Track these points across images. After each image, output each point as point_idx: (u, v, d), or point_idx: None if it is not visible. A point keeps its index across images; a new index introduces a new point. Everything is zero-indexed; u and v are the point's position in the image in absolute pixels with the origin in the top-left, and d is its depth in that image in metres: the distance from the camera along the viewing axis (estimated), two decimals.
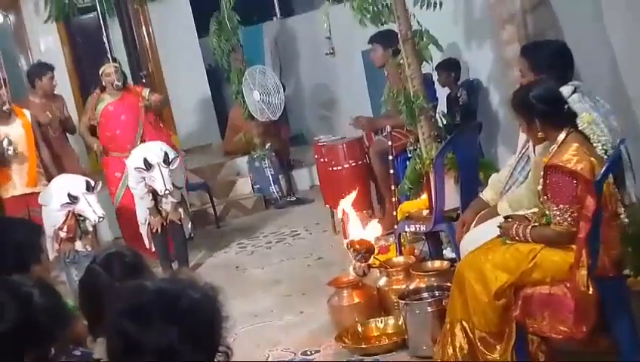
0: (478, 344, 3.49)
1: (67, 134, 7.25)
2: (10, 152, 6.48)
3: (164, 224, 6.48)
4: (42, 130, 6.88)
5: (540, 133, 3.48)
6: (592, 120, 3.67)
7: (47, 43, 9.35)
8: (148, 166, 6.14)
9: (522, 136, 4.08)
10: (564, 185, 3.29)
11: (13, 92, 6.93)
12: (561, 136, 3.41)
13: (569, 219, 3.29)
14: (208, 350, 1.84)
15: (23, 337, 2.18)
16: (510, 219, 3.62)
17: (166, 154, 6.23)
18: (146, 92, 7.00)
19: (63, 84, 8.28)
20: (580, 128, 3.49)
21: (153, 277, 2.14)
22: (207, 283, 1.90)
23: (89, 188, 5.90)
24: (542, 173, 3.43)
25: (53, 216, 5.89)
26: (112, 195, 6.90)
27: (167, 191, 6.19)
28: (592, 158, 3.31)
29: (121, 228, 7.04)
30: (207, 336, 1.83)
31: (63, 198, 5.84)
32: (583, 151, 3.33)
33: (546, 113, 3.44)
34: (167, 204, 6.46)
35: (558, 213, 3.32)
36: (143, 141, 6.71)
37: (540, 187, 3.46)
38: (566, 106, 3.50)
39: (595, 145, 3.50)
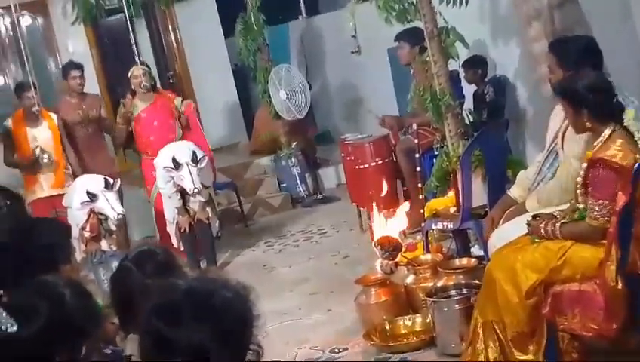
0: (511, 345, 3.47)
1: (105, 134, 7.31)
2: (45, 160, 6.59)
3: (192, 223, 6.52)
4: (74, 129, 6.96)
5: (587, 124, 3.42)
6: (635, 115, 3.62)
7: (75, 45, 9.43)
8: (176, 165, 6.18)
9: (550, 132, 4.06)
10: (607, 180, 3.27)
11: (42, 94, 7.01)
12: (607, 131, 3.37)
13: (607, 216, 3.27)
14: (240, 348, 1.86)
15: (56, 337, 2.21)
16: (538, 218, 3.60)
17: (194, 153, 6.27)
18: (178, 100, 6.99)
19: (91, 85, 8.35)
20: (624, 124, 3.45)
21: (185, 276, 2.16)
22: (239, 282, 1.91)
23: (108, 186, 5.94)
24: (584, 165, 3.39)
25: (76, 216, 5.94)
26: (149, 194, 6.96)
27: (195, 190, 6.22)
28: (637, 155, 3.27)
29: (158, 228, 7.07)
30: (238, 335, 1.85)
31: (82, 196, 5.89)
32: (628, 148, 3.29)
33: (597, 104, 3.39)
34: (194, 204, 6.49)
35: (597, 208, 3.29)
36: None
37: (579, 178, 3.43)
38: (615, 100, 3.44)
39: (638, 140, 3.45)
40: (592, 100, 3.38)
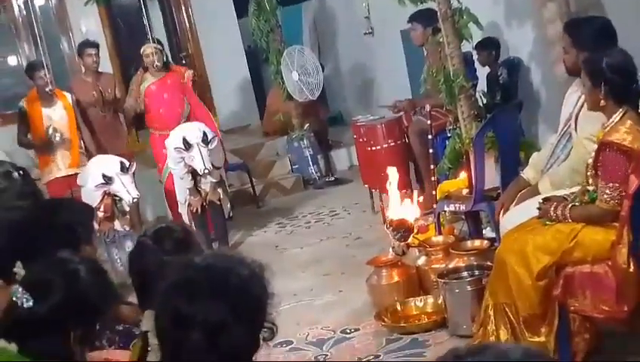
0: (522, 327, 3.48)
1: (120, 115, 7.33)
2: (57, 139, 6.61)
3: (204, 204, 6.54)
4: (89, 109, 6.97)
5: (602, 102, 3.39)
6: None
7: (88, 25, 9.43)
8: (187, 145, 6.20)
9: (564, 114, 4.04)
10: (617, 163, 3.25)
11: (55, 74, 7.01)
12: (618, 113, 3.34)
13: (617, 198, 3.26)
14: (254, 326, 1.87)
15: (70, 313, 2.23)
16: (549, 201, 3.59)
17: (205, 133, 6.28)
18: (189, 73, 7.07)
19: (104, 65, 8.37)
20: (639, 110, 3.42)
21: (202, 253, 2.17)
22: (254, 260, 1.92)
23: (123, 169, 5.96)
24: (594, 146, 3.38)
25: (90, 196, 5.96)
26: (160, 172, 6.99)
27: (206, 171, 6.24)
28: None
29: (169, 206, 7.09)
30: (254, 312, 1.86)
31: (97, 179, 5.92)
32: (637, 130, 3.27)
33: (615, 84, 3.35)
34: (206, 185, 6.51)
35: (607, 191, 3.28)
36: (189, 119, 6.80)
37: (590, 160, 3.42)
38: (635, 84, 3.40)
39: None
40: (611, 79, 3.35)
